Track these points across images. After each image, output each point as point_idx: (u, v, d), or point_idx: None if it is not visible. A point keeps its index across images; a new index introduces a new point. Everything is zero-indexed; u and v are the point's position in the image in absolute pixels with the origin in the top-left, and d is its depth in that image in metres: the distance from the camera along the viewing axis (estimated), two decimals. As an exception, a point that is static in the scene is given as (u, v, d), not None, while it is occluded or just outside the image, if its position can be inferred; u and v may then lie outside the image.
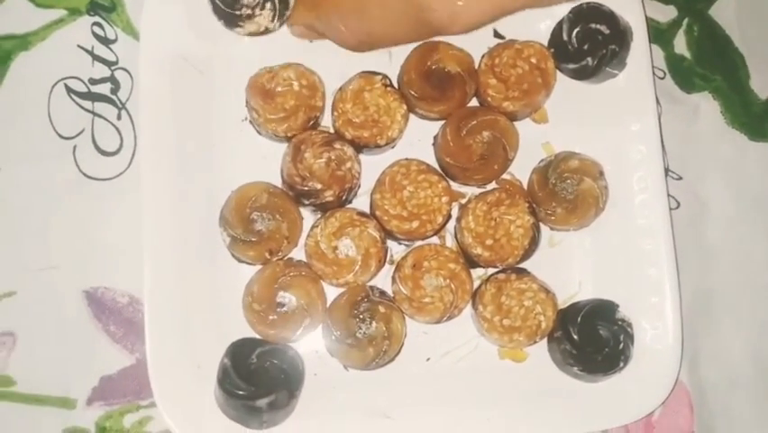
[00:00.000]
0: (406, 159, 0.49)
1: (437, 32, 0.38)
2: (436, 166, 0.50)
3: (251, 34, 0.48)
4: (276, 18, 0.47)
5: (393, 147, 0.50)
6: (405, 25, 0.38)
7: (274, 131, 0.48)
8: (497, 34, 0.51)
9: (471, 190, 0.50)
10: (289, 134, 0.48)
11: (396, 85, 0.49)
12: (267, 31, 0.48)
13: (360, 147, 0.49)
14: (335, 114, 0.49)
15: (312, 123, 0.48)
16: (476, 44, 0.49)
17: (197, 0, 0.48)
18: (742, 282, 0.52)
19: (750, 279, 0.52)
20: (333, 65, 0.49)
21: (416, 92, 0.48)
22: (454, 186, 0.50)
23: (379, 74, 0.49)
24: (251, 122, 0.49)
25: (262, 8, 0.47)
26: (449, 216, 0.49)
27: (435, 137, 0.50)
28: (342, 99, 0.48)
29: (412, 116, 0.50)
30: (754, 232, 0.53)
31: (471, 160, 0.48)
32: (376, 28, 0.39)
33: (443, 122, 0.50)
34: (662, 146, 0.51)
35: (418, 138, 0.51)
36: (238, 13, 0.47)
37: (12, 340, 0.49)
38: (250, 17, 0.47)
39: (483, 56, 0.50)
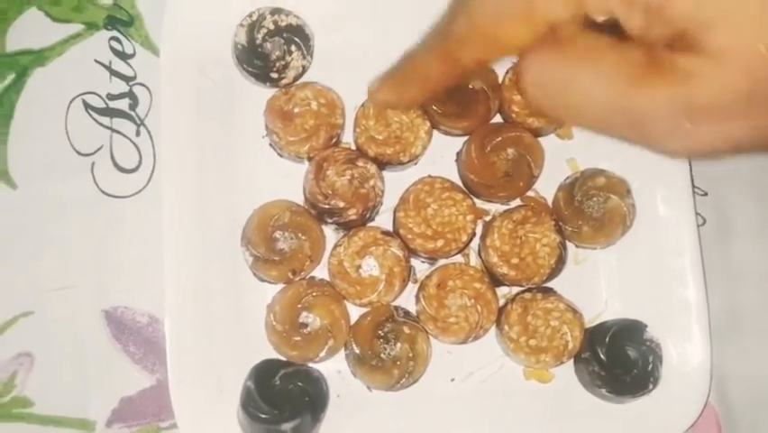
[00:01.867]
0: (430, 176, 0.48)
1: (644, 140, 0.28)
2: (460, 183, 0.49)
3: (295, 79, 0.48)
4: (306, 53, 0.48)
5: (416, 164, 0.49)
6: (619, 134, 0.29)
7: (296, 152, 0.47)
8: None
9: (495, 207, 0.50)
10: (312, 154, 0.47)
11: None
12: (305, 69, 0.48)
13: (382, 164, 0.48)
14: (357, 130, 0.48)
15: (334, 140, 0.48)
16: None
17: (218, 15, 0.48)
18: (769, 300, 0.52)
19: (778, 296, 0.52)
20: (351, 80, 0.48)
21: (439, 108, 0.48)
22: (478, 203, 0.49)
23: None
24: (271, 145, 0.49)
25: (290, 53, 0.47)
26: (473, 235, 0.48)
27: (459, 153, 0.50)
28: (365, 116, 0.48)
29: (435, 133, 0.49)
30: (781, 248, 0.52)
31: (496, 177, 0.48)
32: (585, 124, 0.30)
33: (466, 138, 0.49)
34: (689, 162, 0.51)
35: (441, 155, 0.50)
36: (275, 69, 0.47)
37: (29, 361, 0.48)
38: (286, 66, 0.47)
39: (507, 71, 0.49)
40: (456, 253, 0.48)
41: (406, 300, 0.48)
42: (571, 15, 0.27)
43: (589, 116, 0.28)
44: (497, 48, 0.30)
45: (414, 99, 0.38)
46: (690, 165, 0.50)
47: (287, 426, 0.43)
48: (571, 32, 0.28)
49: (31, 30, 0.52)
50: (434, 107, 0.48)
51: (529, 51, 0.29)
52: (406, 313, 0.47)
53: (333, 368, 0.47)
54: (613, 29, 0.27)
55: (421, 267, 0.49)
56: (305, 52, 0.48)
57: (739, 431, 0.50)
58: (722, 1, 0.25)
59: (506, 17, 0.28)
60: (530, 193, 0.50)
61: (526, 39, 0.28)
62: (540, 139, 0.49)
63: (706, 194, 0.53)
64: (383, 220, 0.49)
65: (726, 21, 0.25)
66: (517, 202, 0.49)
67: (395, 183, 0.48)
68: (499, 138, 0.48)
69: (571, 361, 0.48)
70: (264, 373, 0.44)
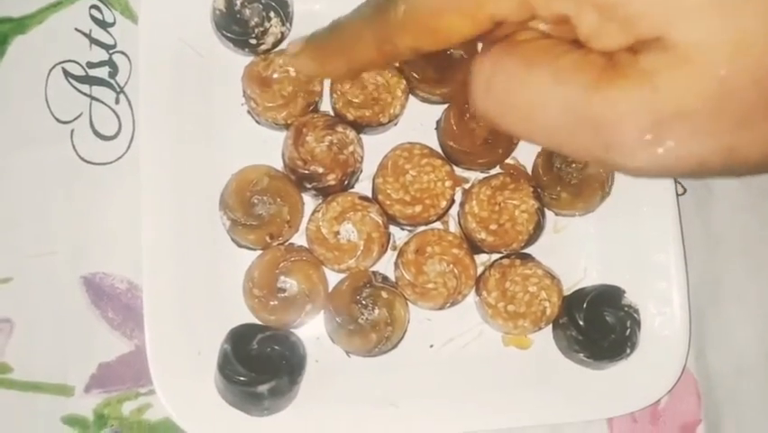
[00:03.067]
0: (409, 143, 0.48)
1: (605, 153, 0.24)
2: (440, 150, 0.49)
3: (274, 46, 0.48)
4: (285, 20, 0.47)
5: (396, 124, 0.49)
6: (566, 117, 0.24)
7: (273, 119, 0.47)
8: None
9: (475, 175, 0.50)
10: (289, 121, 0.47)
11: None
12: (284, 36, 0.48)
13: (362, 127, 0.48)
14: (334, 96, 0.48)
15: (311, 108, 0.48)
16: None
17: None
18: (749, 270, 0.52)
19: (757, 266, 0.52)
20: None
21: (417, 74, 0.48)
22: (458, 171, 0.49)
23: None
24: (249, 112, 0.49)
25: (269, 19, 0.47)
26: (452, 201, 0.48)
27: (438, 122, 0.50)
28: None
29: (414, 101, 0.49)
30: (761, 218, 0.52)
31: (475, 144, 0.48)
32: (538, 138, 0.26)
33: (444, 106, 0.49)
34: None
35: (420, 122, 0.50)
36: (253, 35, 0.47)
37: (9, 327, 0.48)
38: (264, 32, 0.47)
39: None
40: (435, 220, 0.48)
41: (385, 268, 0.48)
42: (516, 12, 0.24)
43: (542, 127, 0.25)
44: (435, 39, 0.27)
45: (336, 72, 0.36)
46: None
47: (263, 388, 0.43)
48: (526, 35, 0.26)
49: (10, -2, 0.51)
50: (413, 73, 0.48)
51: (480, 54, 0.26)
52: (385, 279, 0.47)
53: (312, 333, 0.47)
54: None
55: (400, 234, 0.49)
56: (284, 19, 0.48)
57: (718, 399, 0.50)
58: None
59: (448, 9, 0.26)
60: (510, 160, 0.49)
61: (468, 33, 0.26)
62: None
63: (687, 163, 0.53)
64: (363, 187, 0.49)
65: (690, 14, 0.22)
66: (497, 170, 0.49)
67: (375, 150, 0.48)
68: None
69: (550, 327, 0.48)
70: (241, 337, 0.44)
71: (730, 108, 0.22)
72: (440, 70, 0.48)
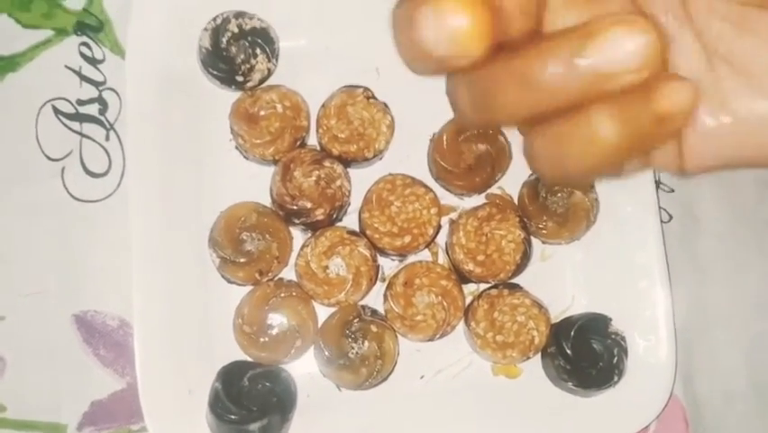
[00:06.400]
0: (391, 174, 0.49)
1: (662, 162, 0.24)
2: (427, 169, 0.49)
3: (260, 82, 0.48)
4: (271, 57, 0.48)
5: (381, 159, 0.50)
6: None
7: (261, 155, 0.47)
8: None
9: (462, 205, 0.50)
10: (277, 157, 0.48)
11: (377, 97, 0.49)
12: (270, 72, 0.48)
13: (348, 162, 0.49)
14: (320, 131, 0.48)
15: (299, 143, 0.48)
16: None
17: (183, 19, 0.48)
18: (735, 296, 0.52)
19: (743, 292, 0.52)
20: (315, 83, 0.49)
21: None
22: (442, 199, 0.49)
23: (360, 87, 0.48)
24: (237, 148, 0.49)
25: (255, 56, 0.47)
26: (439, 227, 0.49)
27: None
28: (326, 115, 0.48)
29: (399, 133, 0.49)
30: (747, 245, 0.53)
31: (459, 165, 0.48)
32: (565, 162, 0.22)
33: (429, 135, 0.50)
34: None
35: (407, 154, 0.50)
36: (240, 72, 0.47)
37: (1, 365, 0.49)
38: (251, 69, 0.48)
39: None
40: (424, 248, 0.49)
41: (375, 299, 0.49)
42: None
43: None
44: None
45: None
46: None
47: (254, 426, 0.43)
48: None
49: (1, 36, 0.52)
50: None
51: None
52: (374, 312, 0.47)
53: (303, 368, 0.47)
54: None
55: (390, 264, 0.50)
56: (270, 55, 0.48)
57: (706, 425, 0.51)
58: None
59: None
60: (496, 190, 0.50)
61: None
62: (506, 134, 0.49)
63: (673, 190, 0.53)
64: (351, 220, 0.49)
65: None
66: (481, 198, 0.50)
67: (362, 182, 0.49)
68: (476, 132, 0.48)
69: (539, 355, 0.48)
70: (232, 375, 0.44)
71: None
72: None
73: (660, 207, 0.50)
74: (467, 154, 0.48)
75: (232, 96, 0.49)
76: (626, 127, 0.19)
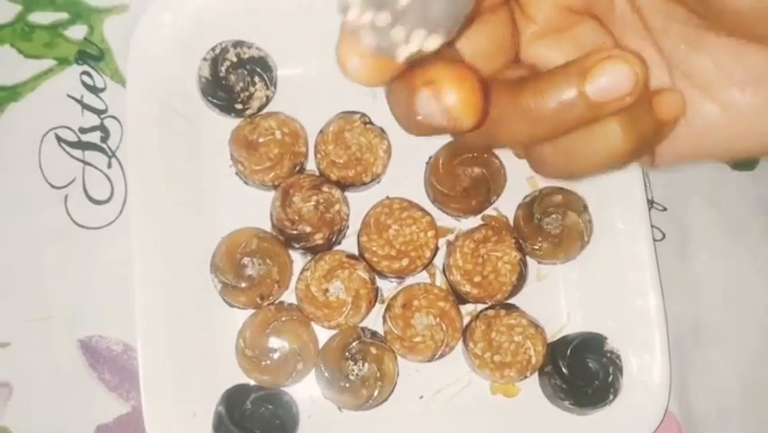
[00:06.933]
0: (388, 198, 0.50)
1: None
2: (424, 192, 0.50)
3: (259, 109, 0.49)
4: (269, 84, 0.49)
5: (379, 182, 0.51)
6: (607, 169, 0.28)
7: (261, 181, 0.48)
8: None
9: (459, 227, 0.51)
10: (276, 183, 0.49)
11: (374, 122, 0.50)
12: (269, 99, 0.50)
13: (346, 186, 0.49)
14: (318, 156, 0.49)
15: (298, 168, 0.49)
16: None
17: (182, 48, 0.49)
18: (729, 312, 0.53)
19: (736, 308, 0.53)
20: (313, 109, 0.50)
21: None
22: (438, 220, 0.50)
23: (357, 113, 0.49)
24: (237, 174, 0.50)
25: (253, 84, 0.48)
26: (437, 249, 0.49)
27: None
28: (324, 141, 0.49)
29: (396, 156, 0.50)
30: (740, 261, 0.54)
31: (454, 188, 0.49)
32: (574, 168, 0.27)
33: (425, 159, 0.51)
34: (647, 177, 0.52)
35: (404, 176, 0.51)
36: (239, 100, 0.49)
37: (7, 391, 0.50)
38: (250, 97, 0.49)
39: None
40: (422, 270, 0.50)
41: (374, 320, 0.50)
42: None
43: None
44: None
45: None
46: (647, 179, 0.52)
47: (257, 449, 0.44)
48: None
49: (3, 66, 0.53)
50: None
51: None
52: (373, 334, 0.48)
53: (304, 391, 0.48)
54: None
55: (389, 286, 0.51)
56: (268, 83, 0.49)
57: (702, 439, 0.52)
58: None
59: None
60: (491, 212, 0.51)
61: None
62: (500, 156, 0.50)
63: (665, 209, 0.54)
64: (350, 243, 0.50)
65: None
66: (477, 220, 0.51)
67: (360, 205, 0.50)
68: (471, 155, 0.49)
69: (536, 374, 0.49)
70: (235, 398, 0.45)
71: None
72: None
73: (653, 226, 0.51)
74: (463, 177, 0.49)
75: (231, 123, 0.50)
76: (634, 135, 0.22)
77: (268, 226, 0.49)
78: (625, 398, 0.48)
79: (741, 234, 0.54)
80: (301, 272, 0.48)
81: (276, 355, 0.47)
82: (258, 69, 0.49)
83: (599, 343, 0.48)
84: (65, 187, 0.52)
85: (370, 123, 0.50)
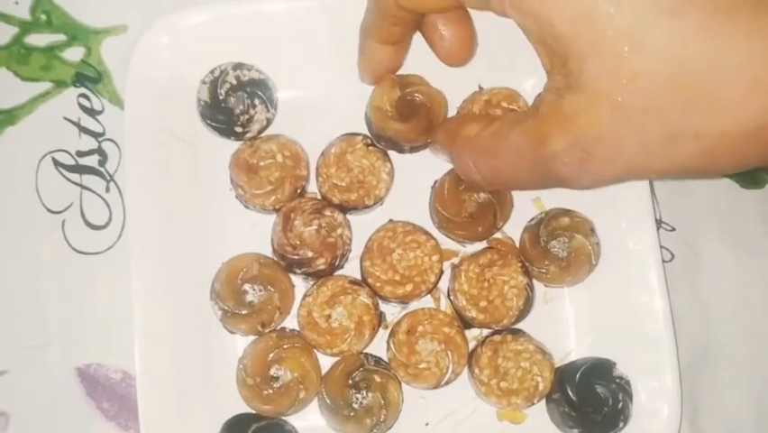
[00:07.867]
0: (391, 221, 0.49)
1: (563, 185, 0.34)
2: (428, 217, 0.49)
3: (259, 132, 0.49)
4: (269, 107, 0.48)
5: (382, 205, 0.50)
6: (532, 172, 0.34)
7: (262, 205, 0.48)
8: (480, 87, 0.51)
9: (463, 250, 0.50)
10: (277, 207, 0.48)
11: (377, 145, 0.49)
12: (269, 122, 0.49)
13: (348, 209, 0.49)
14: (320, 179, 0.49)
15: (299, 192, 0.48)
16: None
17: (181, 71, 0.49)
18: (739, 333, 0.52)
19: (747, 329, 0.52)
20: (314, 131, 0.49)
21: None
22: (443, 244, 0.49)
23: (359, 134, 0.49)
24: (237, 197, 0.49)
25: (253, 106, 0.47)
26: (441, 273, 0.48)
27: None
28: (326, 164, 0.48)
29: (399, 178, 0.49)
30: (750, 281, 0.52)
31: (460, 214, 0.48)
32: (503, 169, 0.36)
33: (432, 181, 0.50)
34: (655, 197, 0.51)
35: (407, 198, 0.50)
36: (239, 123, 0.48)
37: (5, 420, 0.49)
38: (250, 120, 0.48)
39: (458, 109, 0.50)
40: (427, 294, 0.49)
41: (378, 344, 0.49)
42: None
43: (521, 182, 0.37)
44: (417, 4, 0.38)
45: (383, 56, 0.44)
46: (655, 199, 0.51)
47: (259, 481, 0.43)
48: (472, 129, 0.38)
49: (0, 89, 0.52)
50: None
51: (457, 151, 0.40)
52: (377, 361, 0.47)
53: (306, 420, 0.47)
54: None
55: (393, 310, 0.50)
56: (268, 105, 0.48)
57: (713, 464, 0.51)
58: (591, 31, 0.28)
59: None
60: (497, 235, 0.50)
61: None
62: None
63: (674, 229, 0.53)
64: (352, 268, 0.49)
65: (595, 50, 0.28)
66: (482, 244, 0.50)
67: (363, 229, 0.49)
68: None
69: (543, 401, 0.48)
70: (235, 429, 0.44)
71: (628, 127, 0.29)
72: (404, 116, 0.47)
73: (661, 246, 0.50)
74: (468, 203, 0.48)
75: (231, 146, 0.49)
76: None
77: (269, 251, 0.48)
78: (635, 425, 0.46)
79: (751, 254, 0.53)
80: (303, 298, 0.47)
81: (277, 384, 0.46)
82: (258, 92, 0.48)
83: (608, 368, 0.47)
84: (62, 211, 0.51)
85: (373, 144, 0.49)
